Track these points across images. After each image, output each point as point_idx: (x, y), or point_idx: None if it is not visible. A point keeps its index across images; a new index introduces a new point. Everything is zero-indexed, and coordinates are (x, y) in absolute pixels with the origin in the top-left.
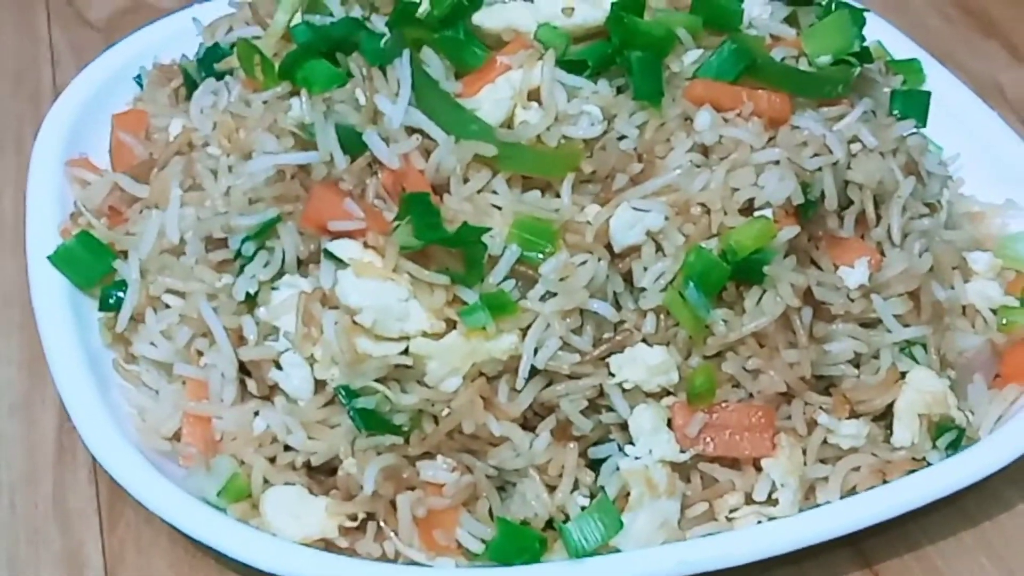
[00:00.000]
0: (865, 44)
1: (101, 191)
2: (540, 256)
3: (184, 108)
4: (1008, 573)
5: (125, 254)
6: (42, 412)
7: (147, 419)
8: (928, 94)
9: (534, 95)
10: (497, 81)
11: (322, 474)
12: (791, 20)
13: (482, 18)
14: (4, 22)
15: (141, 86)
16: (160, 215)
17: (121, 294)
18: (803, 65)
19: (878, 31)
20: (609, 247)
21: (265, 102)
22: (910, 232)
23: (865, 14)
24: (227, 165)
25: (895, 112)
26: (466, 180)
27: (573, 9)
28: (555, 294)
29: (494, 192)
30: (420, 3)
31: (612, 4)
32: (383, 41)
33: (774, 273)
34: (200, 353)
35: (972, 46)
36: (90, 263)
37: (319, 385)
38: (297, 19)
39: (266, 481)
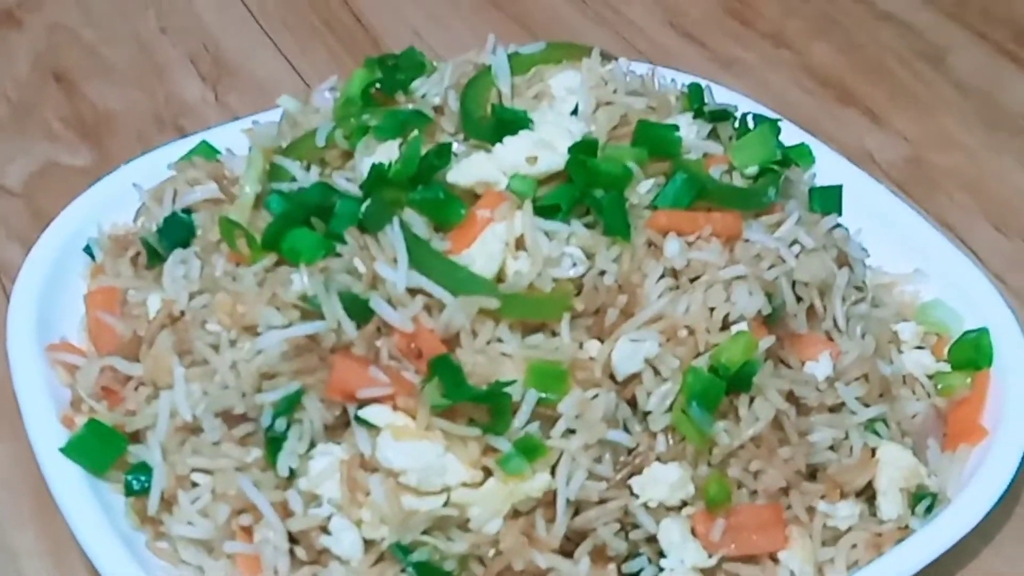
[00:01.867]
0: (785, 151)
1: (92, 373)
2: (556, 396)
3: (152, 278)
4: None
5: (132, 435)
6: None
7: None
8: (840, 188)
9: (518, 243)
10: (484, 236)
11: None
12: (712, 134)
13: (455, 176)
14: None
15: (92, 255)
16: (169, 395)
17: (144, 478)
18: (735, 177)
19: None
20: (612, 377)
21: (255, 274)
22: (851, 318)
23: (747, 105)
24: (229, 340)
25: (815, 208)
26: (474, 333)
27: (536, 158)
28: (574, 430)
29: (500, 340)
30: (390, 165)
31: (570, 149)
32: (364, 207)
33: (761, 381)
34: (243, 529)
35: (834, 115)
36: (103, 450)
37: (368, 544)
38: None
39: None
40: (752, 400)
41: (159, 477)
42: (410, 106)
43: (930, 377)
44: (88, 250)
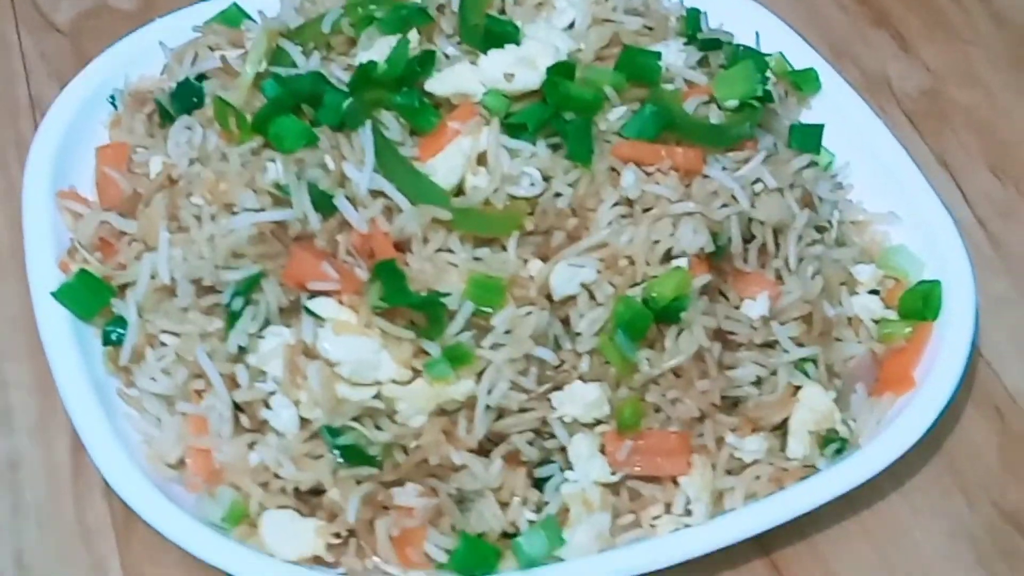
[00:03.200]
0: (767, 88)
1: (92, 225)
2: (491, 310)
3: (161, 137)
4: (882, 554)
5: (120, 287)
6: (56, 434)
7: (153, 447)
8: (821, 127)
9: (481, 158)
10: (449, 148)
11: (307, 495)
12: (703, 62)
13: (434, 84)
14: None
15: (115, 106)
16: (152, 258)
17: (121, 331)
18: (713, 109)
19: (780, 37)
20: (550, 296)
21: (240, 155)
22: (804, 258)
23: (770, 23)
24: (210, 214)
25: (794, 145)
26: (425, 240)
27: (513, 75)
28: (503, 343)
29: (450, 251)
30: (377, 64)
31: (547, 69)
32: (345, 103)
33: (689, 317)
34: (197, 392)
35: (864, 36)
36: (90, 299)
37: (303, 422)
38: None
39: (261, 505)
40: (680, 332)
41: (132, 332)
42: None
43: (876, 322)
44: (113, 100)
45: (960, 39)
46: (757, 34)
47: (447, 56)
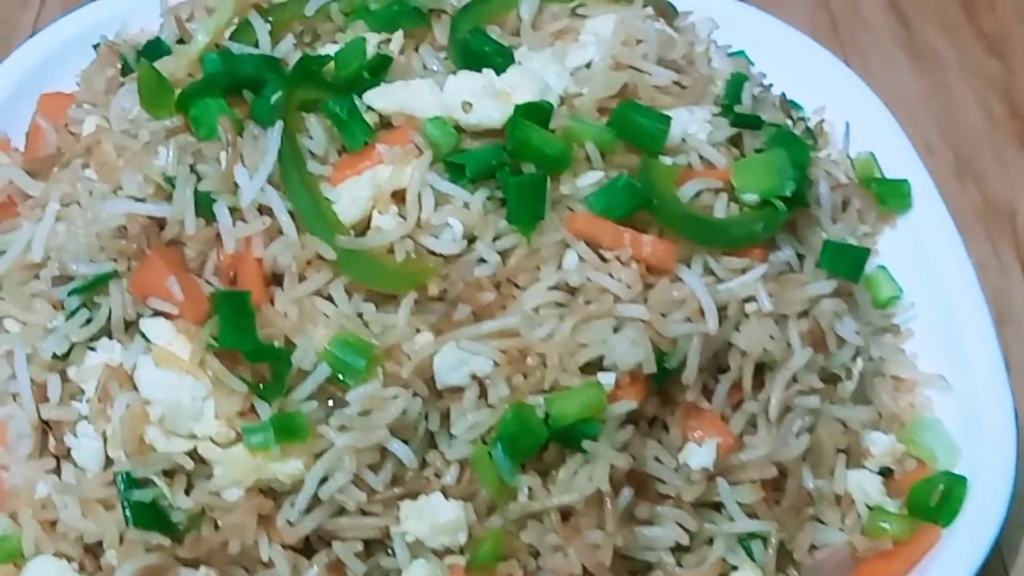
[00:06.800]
0: (801, 185)
1: (2, 179)
2: (350, 382)
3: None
4: None
5: None
6: None
7: None
8: (867, 251)
9: (400, 195)
10: (363, 174)
11: (97, 548)
12: (735, 141)
13: (375, 96)
14: None
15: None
16: (32, 228)
17: None
18: (721, 201)
19: (885, 140)
20: (433, 382)
21: (153, 132)
22: (793, 408)
23: (881, 118)
24: (101, 192)
25: (824, 265)
26: (302, 278)
27: (471, 105)
28: (354, 428)
29: (329, 298)
30: (327, 59)
31: (516, 107)
32: (273, 98)
33: (594, 450)
34: (13, 395)
35: (1001, 154)
36: None
37: (110, 462)
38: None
39: (37, 547)
40: (583, 466)
41: None
42: None
43: (870, 508)
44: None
45: None
46: (847, 125)
47: (425, 68)
